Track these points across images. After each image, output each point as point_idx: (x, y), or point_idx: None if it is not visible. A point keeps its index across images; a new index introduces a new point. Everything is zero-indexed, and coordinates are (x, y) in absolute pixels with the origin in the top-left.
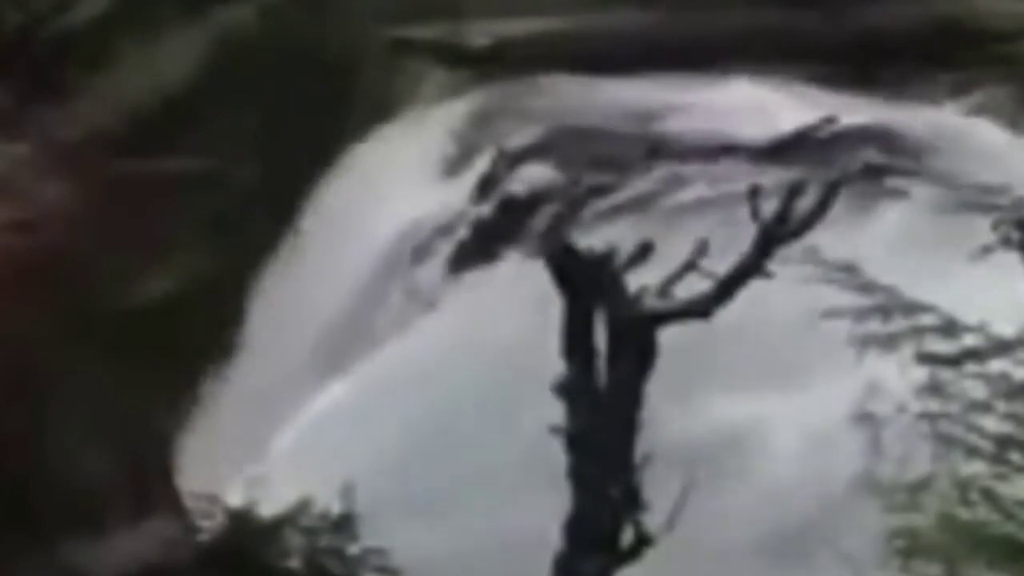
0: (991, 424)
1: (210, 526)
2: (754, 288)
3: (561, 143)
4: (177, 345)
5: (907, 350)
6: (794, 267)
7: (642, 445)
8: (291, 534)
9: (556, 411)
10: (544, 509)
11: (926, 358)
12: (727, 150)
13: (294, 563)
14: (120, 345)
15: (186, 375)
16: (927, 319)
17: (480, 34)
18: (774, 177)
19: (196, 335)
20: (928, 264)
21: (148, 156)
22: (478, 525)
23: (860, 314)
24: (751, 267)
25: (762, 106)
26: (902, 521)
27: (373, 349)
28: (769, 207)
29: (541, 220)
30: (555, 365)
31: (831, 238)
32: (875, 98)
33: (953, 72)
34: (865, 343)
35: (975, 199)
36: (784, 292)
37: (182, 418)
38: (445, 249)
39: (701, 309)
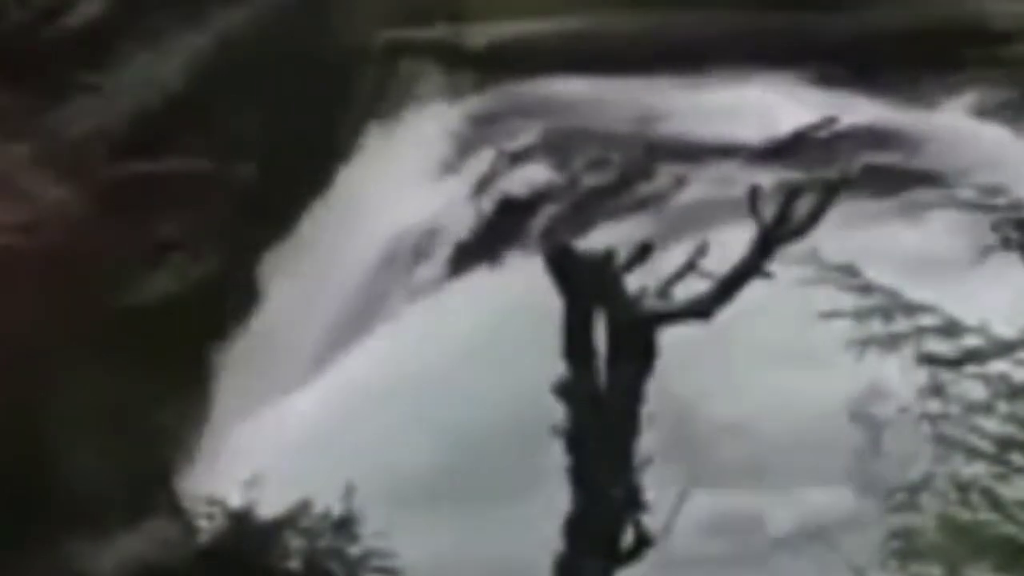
0: (992, 425)
1: (210, 527)
2: (754, 288)
3: (561, 144)
4: (177, 345)
5: (908, 351)
6: (794, 268)
7: (642, 445)
8: (291, 535)
9: (554, 406)
10: (541, 505)
11: (927, 359)
12: (727, 151)
13: (294, 564)
14: (120, 345)
15: (185, 375)
16: (928, 320)
17: (479, 35)
18: (774, 178)
19: (196, 335)
20: (928, 265)
21: (149, 156)
22: (475, 520)
23: (860, 315)
24: (751, 268)
25: (762, 107)
26: (902, 522)
27: (372, 349)
28: (769, 208)
29: (540, 220)
30: (552, 364)
31: (831, 239)
32: (875, 98)
33: (953, 72)
34: (865, 344)
35: (975, 199)
36: (785, 292)
37: (182, 418)
38: (444, 249)
39: (701, 309)
